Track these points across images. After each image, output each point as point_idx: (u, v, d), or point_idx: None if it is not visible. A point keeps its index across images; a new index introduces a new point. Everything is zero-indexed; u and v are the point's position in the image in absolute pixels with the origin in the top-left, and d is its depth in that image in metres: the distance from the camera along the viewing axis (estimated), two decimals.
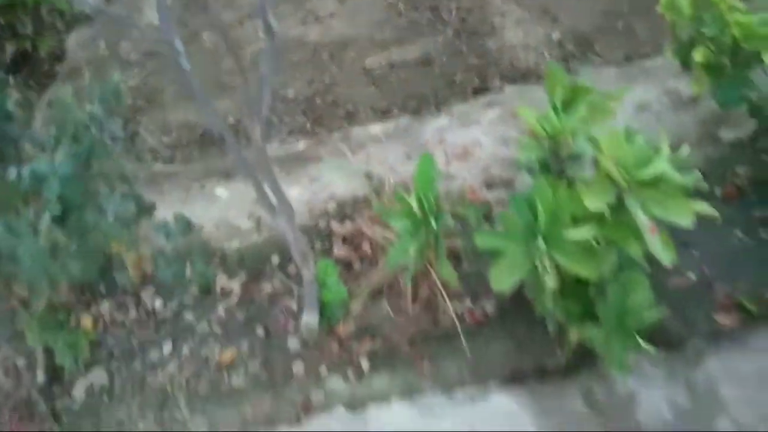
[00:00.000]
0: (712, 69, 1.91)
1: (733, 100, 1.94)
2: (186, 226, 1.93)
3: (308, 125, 3.09)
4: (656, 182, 1.37)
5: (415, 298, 2.16)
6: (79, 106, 1.94)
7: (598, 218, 1.41)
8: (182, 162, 3.04)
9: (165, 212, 2.60)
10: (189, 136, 3.15)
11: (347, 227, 2.53)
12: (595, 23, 3.00)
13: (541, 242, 1.36)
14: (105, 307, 2.57)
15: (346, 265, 2.45)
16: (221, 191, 2.78)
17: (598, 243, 1.43)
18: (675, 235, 2.18)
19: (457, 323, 2.05)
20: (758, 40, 1.83)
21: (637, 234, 1.35)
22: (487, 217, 2.06)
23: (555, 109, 1.59)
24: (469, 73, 3.03)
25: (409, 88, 3.07)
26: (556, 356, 1.83)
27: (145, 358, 2.37)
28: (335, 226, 2.55)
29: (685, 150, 1.60)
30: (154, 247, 2.20)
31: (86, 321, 2.31)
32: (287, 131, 3.09)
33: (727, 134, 2.37)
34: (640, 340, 1.49)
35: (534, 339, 1.94)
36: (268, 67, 1.55)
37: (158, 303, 2.54)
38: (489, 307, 2.14)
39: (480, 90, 2.93)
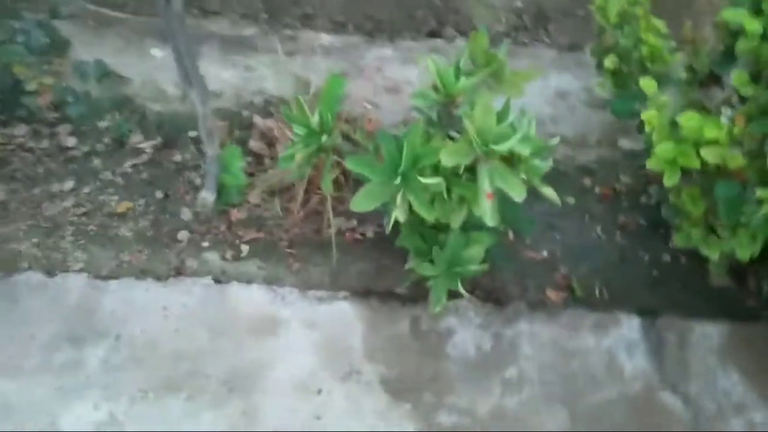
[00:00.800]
0: (617, 78, 2.09)
1: (625, 112, 2.15)
2: (103, 71, 2.01)
3: (263, 15, 3.12)
4: (509, 158, 1.57)
5: (305, 206, 2.35)
6: None
7: (454, 175, 1.61)
8: (130, 12, 3.02)
9: (97, 57, 2.63)
10: None
11: (267, 124, 2.66)
12: (560, 4, 3.11)
13: (398, 180, 1.56)
14: (21, 129, 2.63)
15: (258, 159, 2.59)
16: (157, 52, 2.82)
17: (450, 196, 1.64)
18: (546, 218, 2.47)
19: (335, 237, 2.27)
20: (662, 64, 2.03)
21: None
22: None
23: (457, 69, 1.74)
24: (430, 13, 3.10)
25: (371, 9, 3.13)
26: (404, 285, 2.09)
27: (45, 188, 2.48)
28: (257, 119, 2.67)
29: (554, 141, 1.81)
30: (68, 85, 2.27)
31: None
32: (241, 14, 3.11)
33: (624, 143, 2.61)
34: (461, 289, 1.75)
35: (394, 267, 2.19)
36: None
37: (72, 141, 2.62)
38: (370, 232, 2.37)
39: (434, 33, 3.03)
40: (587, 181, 2.57)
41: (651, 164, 1.62)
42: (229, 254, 2.32)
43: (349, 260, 2.27)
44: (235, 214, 2.43)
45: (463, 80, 1.77)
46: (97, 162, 2.57)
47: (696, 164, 1.51)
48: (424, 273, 1.79)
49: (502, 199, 1.90)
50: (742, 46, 1.52)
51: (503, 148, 1.53)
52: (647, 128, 1.66)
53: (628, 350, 2.02)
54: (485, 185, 1.56)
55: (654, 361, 1.99)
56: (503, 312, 2.09)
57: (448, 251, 1.75)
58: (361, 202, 1.61)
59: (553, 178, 2.56)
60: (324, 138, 1.80)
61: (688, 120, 1.50)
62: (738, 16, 1.51)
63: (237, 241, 2.36)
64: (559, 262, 2.35)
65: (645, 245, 2.40)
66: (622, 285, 2.28)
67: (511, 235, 2.40)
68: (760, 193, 1.42)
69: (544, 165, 1.73)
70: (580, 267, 2.33)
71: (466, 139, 1.55)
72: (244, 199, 2.45)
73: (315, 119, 1.84)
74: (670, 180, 1.56)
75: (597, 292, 2.25)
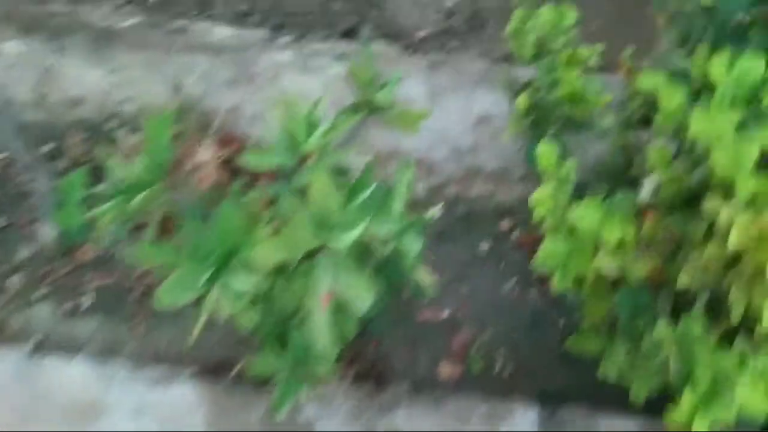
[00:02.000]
0: (532, 119, 1.72)
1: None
2: None
3: (152, 0, 2.65)
4: (357, 251, 1.22)
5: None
6: None
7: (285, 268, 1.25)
8: None
9: None
10: None
11: (136, 140, 2.24)
12: (500, 3, 2.67)
13: (206, 275, 1.19)
14: None
15: None
16: (12, 46, 2.36)
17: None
18: (455, 267, 2.13)
19: None
20: (585, 108, 1.65)
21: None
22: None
23: (311, 117, 1.36)
24: (350, 7, 2.66)
25: None
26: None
27: None
28: (122, 134, 2.25)
29: (435, 212, 1.45)
30: None
31: None
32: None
33: None
34: (305, 395, 1.42)
35: None
36: None
37: None
38: None
39: (350, 33, 2.60)
40: (506, 224, 2.22)
41: (537, 262, 1.28)
42: (66, 306, 1.94)
43: (210, 321, 1.91)
44: (83, 253, 2.05)
45: (318, 133, 1.38)
46: None
47: (590, 272, 1.17)
48: (259, 371, 1.44)
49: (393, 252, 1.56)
50: (661, 120, 1.15)
51: (345, 241, 1.17)
52: (536, 213, 1.30)
53: None
54: (321, 286, 1.20)
55: None
56: (380, 397, 1.76)
57: (290, 353, 1.40)
58: (168, 294, 1.24)
59: (467, 219, 2.25)
60: (143, 195, 1.41)
61: (584, 216, 1.14)
62: (655, 83, 1.13)
63: (80, 289, 1.99)
64: (461, 324, 2.01)
65: (562, 305, 2.07)
66: (529, 357, 1.96)
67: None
68: (658, 331, 1.08)
69: (416, 246, 1.37)
70: (484, 331, 2.00)
71: (296, 228, 1.18)
72: (95, 234, 2.07)
73: (137, 167, 1.45)
74: (560, 284, 1.22)
75: (498, 366, 1.94)
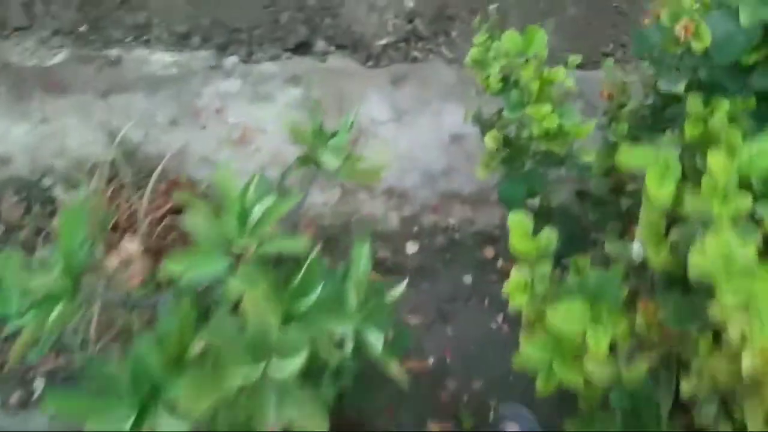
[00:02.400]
0: (503, 158, 1.52)
1: (515, 198, 1.58)
2: None
3: (83, 28, 2.40)
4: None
5: (109, 329, 1.79)
6: None
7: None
8: None
9: None
10: None
11: (73, 198, 2.04)
12: None
13: (130, 422, 1.02)
14: None
15: None
16: None
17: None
18: (437, 303, 1.96)
19: None
20: (563, 141, 1.45)
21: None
22: None
23: (243, 201, 1.15)
24: (299, 17, 2.41)
25: (224, 13, 2.42)
26: None
27: None
28: (59, 191, 2.04)
29: (397, 290, 1.26)
30: None
31: None
32: (52, 30, 2.39)
33: (533, 200, 2.06)
34: None
35: None
36: None
37: None
38: None
39: (302, 47, 2.35)
40: (488, 252, 2.04)
41: (516, 362, 1.10)
42: (15, 397, 1.77)
43: None
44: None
45: (255, 218, 1.18)
46: None
47: (578, 380, 1.00)
48: None
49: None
50: (648, 207, 0.95)
51: (288, 369, 0.99)
52: (512, 303, 1.12)
53: None
54: (264, 419, 1.03)
55: None
56: None
57: None
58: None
59: (446, 250, 2.06)
60: (60, 308, 1.21)
61: (566, 319, 0.95)
62: (638, 161, 0.92)
63: (30, 374, 1.82)
64: (448, 372, 1.86)
65: None
66: (524, 404, 1.81)
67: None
68: None
69: (380, 335, 1.19)
70: (473, 378, 1.85)
71: (227, 358, 0.99)
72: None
73: (51, 275, 1.25)
74: (544, 389, 1.05)
75: (491, 417, 1.79)
